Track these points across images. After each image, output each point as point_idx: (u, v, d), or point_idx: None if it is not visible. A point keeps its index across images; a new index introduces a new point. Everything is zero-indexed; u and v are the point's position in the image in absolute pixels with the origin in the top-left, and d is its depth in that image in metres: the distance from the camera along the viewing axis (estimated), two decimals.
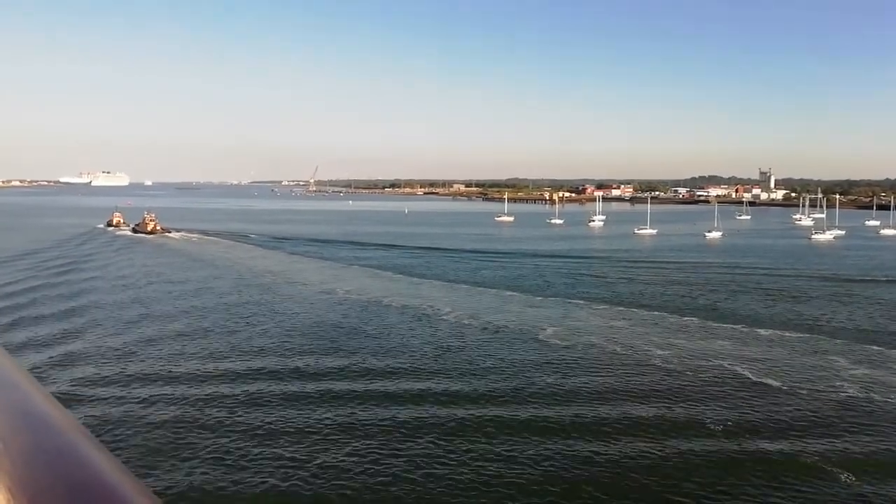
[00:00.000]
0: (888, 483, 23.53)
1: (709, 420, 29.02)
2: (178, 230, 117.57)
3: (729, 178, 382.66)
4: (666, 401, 31.48)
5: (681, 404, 31.02)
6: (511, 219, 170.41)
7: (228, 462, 25.05)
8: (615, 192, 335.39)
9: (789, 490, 23.06)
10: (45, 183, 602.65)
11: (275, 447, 26.29)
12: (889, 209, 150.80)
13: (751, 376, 35.10)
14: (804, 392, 32.73)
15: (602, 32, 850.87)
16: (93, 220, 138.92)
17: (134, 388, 33.73)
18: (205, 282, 67.44)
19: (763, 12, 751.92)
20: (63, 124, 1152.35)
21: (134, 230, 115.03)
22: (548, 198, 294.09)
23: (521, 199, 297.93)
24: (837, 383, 34.10)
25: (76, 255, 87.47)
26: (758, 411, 30.18)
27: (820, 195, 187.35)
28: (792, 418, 29.36)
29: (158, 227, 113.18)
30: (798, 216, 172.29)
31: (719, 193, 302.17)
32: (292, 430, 28.10)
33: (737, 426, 28.35)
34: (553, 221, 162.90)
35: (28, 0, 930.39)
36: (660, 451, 25.95)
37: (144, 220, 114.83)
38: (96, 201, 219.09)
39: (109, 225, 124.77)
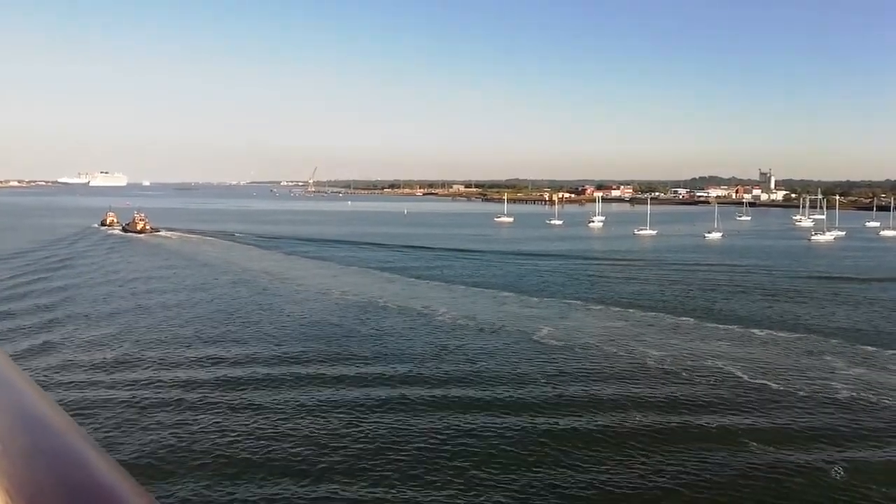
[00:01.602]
0: (879, 481, 23.33)
1: (700, 418, 28.81)
2: (168, 229, 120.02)
3: (729, 179, 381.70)
4: (658, 399, 31.30)
5: (673, 403, 30.83)
6: (510, 219, 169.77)
7: (219, 458, 24.81)
8: (615, 193, 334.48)
9: (780, 487, 22.82)
10: (44, 183, 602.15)
11: (265, 441, 26.16)
12: (889, 210, 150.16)
13: (744, 376, 34.88)
14: (797, 392, 32.54)
15: (601, 33, 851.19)
16: (87, 220, 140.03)
17: (114, 379, 34.04)
18: (187, 278, 68.28)
19: (763, 12, 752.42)
20: (61, 124, 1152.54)
21: (124, 229, 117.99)
22: (547, 198, 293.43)
23: (520, 200, 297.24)
24: (831, 383, 33.93)
25: (67, 252, 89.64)
26: (750, 410, 29.97)
27: (820, 196, 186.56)
28: (784, 417, 29.17)
29: (148, 227, 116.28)
30: (798, 217, 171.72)
31: (719, 194, 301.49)
32: (284, 422, 28.08)
33: (728, 424, 28.15)
34: (552, 222, 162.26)
35: (27, 0, 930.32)
36: (650, 447, 25.75)
37: (134, 219, 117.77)
38: (93, 201, 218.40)
39: (103, 224, 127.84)
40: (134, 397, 31.52)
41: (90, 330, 45.56)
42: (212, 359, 38.31)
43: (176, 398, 31.59)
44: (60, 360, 37.94)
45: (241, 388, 32.99)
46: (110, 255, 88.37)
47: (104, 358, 38.49)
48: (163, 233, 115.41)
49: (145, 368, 36.38)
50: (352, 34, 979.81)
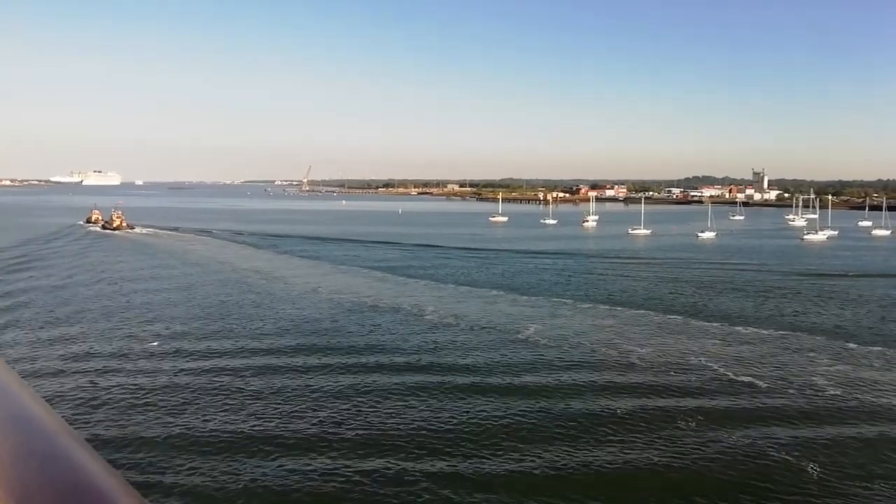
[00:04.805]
0: (855, 476, 23.30)
1: (680, 415, 28.70)
2: (145, 227, 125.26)
3: (723, 179, 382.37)
4: (642, 396, 31.17)
5: (656, 400, 30.70)
6: (505, 219, 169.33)
7: (206, 456, 24.52)
8: (609, 193, 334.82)
9: (757, 483, 22.73)
10: (36, 182, 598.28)
11: (253, 440, 25.95)
12: (881, 210, 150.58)
13: (729, 373, 34.77)
14: (780, 388, 32.49)
15: (596, 33, 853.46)
16: (74, 218, 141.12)
17: (79, 367, 34.60)
18: (145, 270, 71.44)
19: (756, 14, 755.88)
20: (55, 124, 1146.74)
21: (103, 227, 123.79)
22: (542, 198, 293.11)
23: (515, 200, 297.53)
24: (815, 379, 33.88)
25: (49, 246, 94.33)
26: (731, 406, 29.91)
27: (813, 196, 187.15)
28: (764, 412, 29.14)
29: (124, 224, 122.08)
30: (791, 216, 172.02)
31: (713, 194, 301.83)
32: (271, 412, 28.13)
33: (708, 420, 28.07)
34: (547, 222, 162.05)
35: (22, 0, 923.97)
36: (631, 444, 25.65)
37: (112, 217, 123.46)
38: (83, 200, 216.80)
39: (88, 221, 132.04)
40: (100, 386, 31.40)
41: (54, 315, 48.17)
42: (175, 346, 38.98)
43: (145, 385, 31.73)
44: (25, 346, 39.11)
45: (222, 379, 32.91)
46: (87, 249, 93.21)
47: (72, 345, 39.61)
48: (137, 230, 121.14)
49: (107, 358, 36.96)
50: (347, 34, 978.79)
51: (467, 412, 28.90)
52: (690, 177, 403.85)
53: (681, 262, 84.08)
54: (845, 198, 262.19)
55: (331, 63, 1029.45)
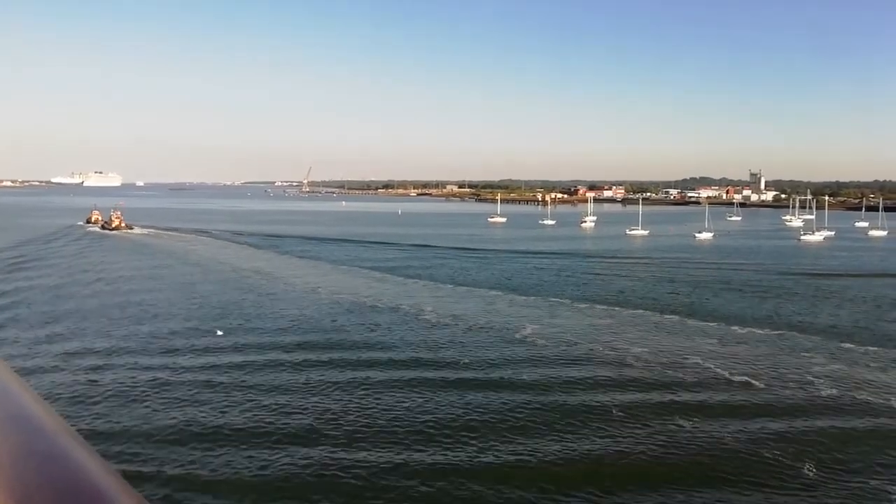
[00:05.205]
0: (849, 475, 23.54)
1: (677, 413, 28.98)
2: (143, 227, 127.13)
3: (720, 180, 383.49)
4: (639, 395, 31.45)
5: (653, 398, 31.00)
6: (503, 220, 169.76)
7: (206, 454, 24.69)
8: (607, 194, 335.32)
9: (753, 479, 22.99)
10: (37, 183, 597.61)
11: (253, 437, 26.20)
12: (877, 210, 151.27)
13: (724, 372, 35.07)
14: (775, 386, 32.79)
15: (594, 33, 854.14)
16: (73, 219, 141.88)
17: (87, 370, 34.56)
18: (144, 269, 72.57)
19: (756, 14, 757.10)
20: (56, 124, 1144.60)
21: (102, 227, 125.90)
22: (540, 199, 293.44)
23: (513, 200, 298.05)
24: (808, 378, 34.18)
25: (48, 246, 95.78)
26: (727, 404, 30.18)
27: (809, 196, 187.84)
28: (760, 411, 29.41)
29: (122, 224, 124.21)
30: (788, 217, 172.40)
31: (710, 195, 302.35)
32: (270, 419, 28.14)
33: (704, 418, 28.35)
34: (545, 222, 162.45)
35: (23, 1, 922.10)
36: (628, 441, 25.93)
37: (111, 217, 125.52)
38: (84, 201, 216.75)
39: (88, 222, 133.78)
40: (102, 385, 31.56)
41: (52, 314, 48.89)
42: (167, 343, 39.70)
43: (144, 383, 32.11)
44: (24, 345, 39.72)
45: (222, 377, 33.23)
46: (86, 249, 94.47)
47: (70, 343, 40.15)
48: (136, 230, 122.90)
49: (106, 357, 37.57)
50: (347, 34, 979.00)
51: (466, 410, 29.21)
52: (688, 178, 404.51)
53: (678, 262, 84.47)
54: (842, 198, 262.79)
55: (331, 63, 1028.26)
